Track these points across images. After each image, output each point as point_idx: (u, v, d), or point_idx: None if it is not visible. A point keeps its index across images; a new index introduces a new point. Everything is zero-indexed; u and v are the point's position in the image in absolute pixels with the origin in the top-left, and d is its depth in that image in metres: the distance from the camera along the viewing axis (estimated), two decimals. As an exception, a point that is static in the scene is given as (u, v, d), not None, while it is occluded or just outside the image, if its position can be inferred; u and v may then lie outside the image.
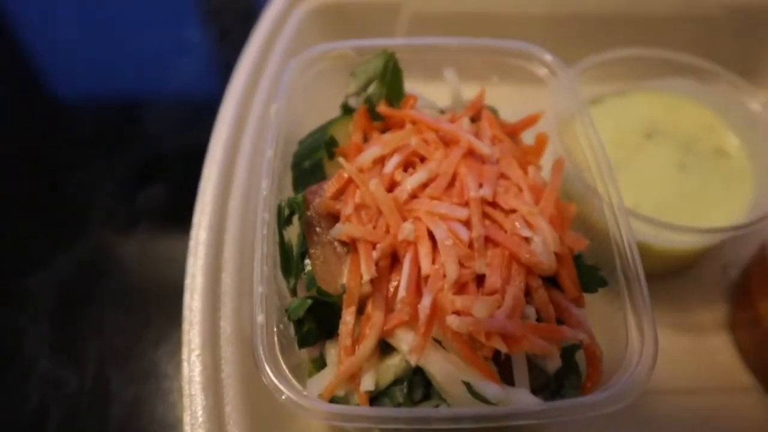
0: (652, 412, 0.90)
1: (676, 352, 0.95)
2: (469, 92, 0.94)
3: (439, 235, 0.73)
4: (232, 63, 1.07)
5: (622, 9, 1.22)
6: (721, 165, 1.01)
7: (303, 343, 0.75)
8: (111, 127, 1.33)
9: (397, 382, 0.72)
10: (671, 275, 1.01)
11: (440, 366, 0.69)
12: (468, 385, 0.67)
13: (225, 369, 0.77)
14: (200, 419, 0.72)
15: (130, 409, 0.93)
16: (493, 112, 0.95)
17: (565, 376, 0.71)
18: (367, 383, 0.70)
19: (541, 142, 0.90)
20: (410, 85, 0.96)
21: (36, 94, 1.44)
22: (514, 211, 0.77)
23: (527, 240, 0.75)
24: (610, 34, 1.14)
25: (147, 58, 1.48)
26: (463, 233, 0.74)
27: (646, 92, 1.09)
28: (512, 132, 0.92)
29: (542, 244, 0.74)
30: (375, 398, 0.71)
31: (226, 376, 0.77)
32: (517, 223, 0.76)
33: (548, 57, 0.92)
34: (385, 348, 0.73)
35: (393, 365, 0.72)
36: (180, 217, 0.92)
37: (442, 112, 0.94)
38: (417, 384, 0.71)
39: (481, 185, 0.79)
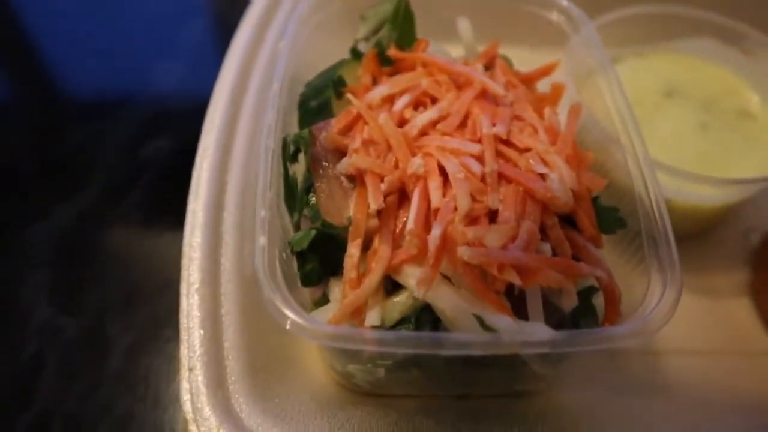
0: (667, 372, 0.86)
1: (694, 314, 0.91)
2: (484, 48, 0.92)
3: (450, 168, 0.70)
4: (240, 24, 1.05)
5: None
6: (743, 126, 0.97)
7: (306, 281, 0.72)
8: (118, 84, 1.31)
9: (403, 320, 0.68)
10: (691, 238, 0.97)
11: (450, 300, 0.65)
12: (479, 319, 0.63)
13: (225, 305, 0.74)
14: (198, 351, 0.69)
15: (128, 356, 0.90)
16: (507, 61, 0.92)
17: (581, 316, 0.68)
18: (373, 318, 0.66)
19: (557, 90, 0.87)
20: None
21: (41, 49, 1.43)
22: (528, 149, 0.74)
23: (543, 177, 0.71)
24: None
25: (156, 19, 1.46)
26: (476, 167, 0.71)
27: (666, 52, 1.06)
28: (527, 80, 0.89)
29: (558, 180, 0.70)
30: (380, 336, 0.67)
31: (226, 312, 0.74)
32: (532, 161, 0.73)
33: (565, 3, 0.89)
34: (391, 287, 0.70)
35: (400, 303, 0.68)
36: (183, 172, 0.90)
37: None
38: (425, 321, 0.67)
39: (494, 124, 0.76)
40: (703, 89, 1.01)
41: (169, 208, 1.01)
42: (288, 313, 0.60)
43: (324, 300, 0.73)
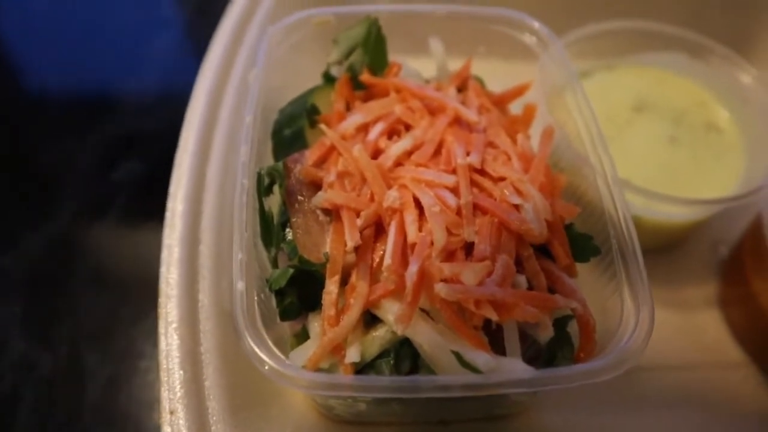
0: (641, 388, 0.88)
1: (665, 328, 0.93)
2: (456, 65, 0.92)
3: (426, 201, 0.70)
4: (210, 40, 1.04)
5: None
6: (711, 139, 1.00)
7: (285, 315, 0.72)
8: (86, 103, 1.28)
9: (383, 354, 0.69)
10: (661, 251, 0.99)
11: (428, 336, 0.66)
12: (458, 355, 0.64)
13: (204, 343, 0.74)
14: (178, 393, 0.69)
15: (107, 389, 0.89)
16: (480, 82, 0.93)
17: (557, 347, 0.69)
18: (353, 355, 0.67)
19: (529, 112, 0.88)
20: (394, 57, 0.93)
21: (9, 69, 1.39)
22: (503, 179, 0.75)
23: (517, 207, 0.72)
24: (600, 6, 1.13)
25: (124, 35, 1.43)
26: (451, 200, 0.71)
27: (635, 66, 1.07)
28: (500, 102, 0.90)
29: (532, 211, 0.71)
30: (360, 371, 0.68)
31: (205, 350, 0.73)
32: (506, 191, 0.74)
33: (536, 25, 0.90)
34: (370, 320, 0.70)
35: (379, 337, 0.69)
36: (157, 194, 0.88)
37: (427, 82, 0.92)
38: (404, 356, 0.68)
39: (468, 153, 0.77)
40: (672, 103, 1.02)
41: (142, 233, 1.01)
42: (267, 360, 0.60)
43: (304, 333, 0.73)
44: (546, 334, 0.67)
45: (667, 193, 0.90)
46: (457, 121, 0.81)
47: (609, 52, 1.05)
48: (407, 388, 0.61)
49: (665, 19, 1.11)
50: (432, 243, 0.68)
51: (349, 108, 0.86)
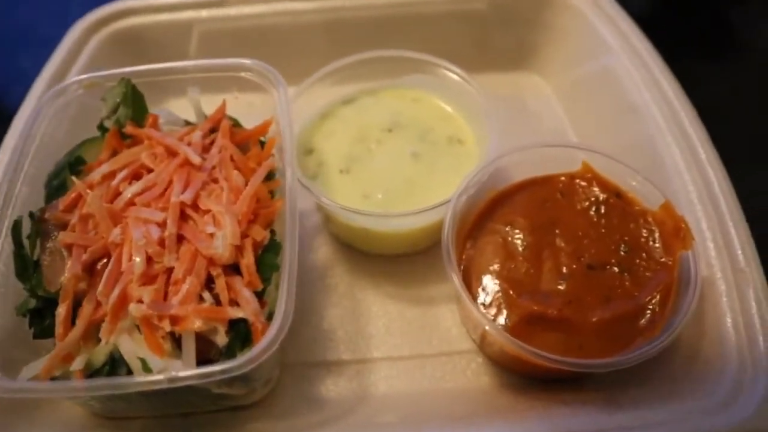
0: (385, 376, 1.02)
1: (408, 323, 1.07)
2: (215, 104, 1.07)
3: (135, 235, 0.88)
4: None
5: (403, 9, 1.35)
6: (453, 150, 1.13)
7: (40, 335, 0.90)
8: None
9: (107, 362, 0.86)
10: (407, 255, 1.14)
11: (127, 346, 0.84)
12: (142, 360, 0.82)
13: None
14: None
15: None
16: (235, 121, 1.08)
17: (237, 346, 0.85)
18: (77, 363, 0.84)
19: (269, 146, 1.04)
20: (165, 103, 1.10)
21: None
22: (209, 211, 0.91)
23: (212, 235, 0.89)
24: (386, 33, 1.28)
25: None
26: (156, 233, 0.88)
27: (394, 89, 1.21)
28: (246, 138, 1.06)
29: (222, 238, 0.88)
30: (91, 376, 0.85)
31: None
32: (207, 221, 0.90)
33: (259, 68, 1.05)
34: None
35: (104, 348, 0.86)
36: None
37: (188, 124, 1.08)
38: (121, 363, 0.86)
39: (185, 190, 0.93)
40: (421, 120, 1.16)
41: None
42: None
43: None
44: (221, 339, 0.84)
45: (405, 203, 1.05)
46: (189, 162, 0.97)
47: (372, 77, 1.19)
48: (92, 388, 0.79)
49: (447, 41, 1.26)
50: (137, 271, 0.85)
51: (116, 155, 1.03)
